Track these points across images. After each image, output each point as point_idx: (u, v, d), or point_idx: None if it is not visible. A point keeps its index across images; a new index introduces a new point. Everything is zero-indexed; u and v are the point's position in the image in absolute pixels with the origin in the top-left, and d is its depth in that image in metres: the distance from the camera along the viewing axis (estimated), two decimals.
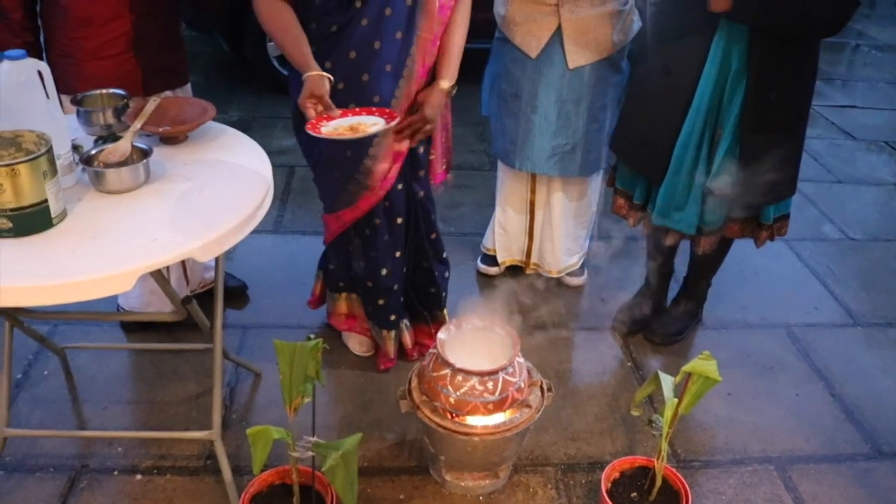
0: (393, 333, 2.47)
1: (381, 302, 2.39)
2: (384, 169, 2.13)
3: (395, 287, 2.36)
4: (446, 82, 2.08)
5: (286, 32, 1.94)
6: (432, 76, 2.12)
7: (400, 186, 2.22)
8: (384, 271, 2.31)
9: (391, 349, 2.49)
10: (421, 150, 2.24)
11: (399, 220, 2.27)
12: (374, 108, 1.91)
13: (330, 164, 2.18)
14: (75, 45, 2.19)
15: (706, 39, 2.19)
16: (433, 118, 2.08)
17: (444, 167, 2.39)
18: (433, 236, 2.43)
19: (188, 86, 2.49)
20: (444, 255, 2.51)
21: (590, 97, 2.60)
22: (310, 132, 1.76)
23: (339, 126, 1.80)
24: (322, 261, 2.55)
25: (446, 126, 2.32)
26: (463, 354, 1.99)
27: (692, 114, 2.26)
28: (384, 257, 2.29)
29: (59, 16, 2.18)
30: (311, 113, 1.83)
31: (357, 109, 1.89)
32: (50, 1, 2.17)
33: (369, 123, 1.81)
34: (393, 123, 1.84)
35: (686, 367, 1.75)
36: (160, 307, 2.56)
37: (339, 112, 1.84)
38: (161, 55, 2.31)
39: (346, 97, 1.99)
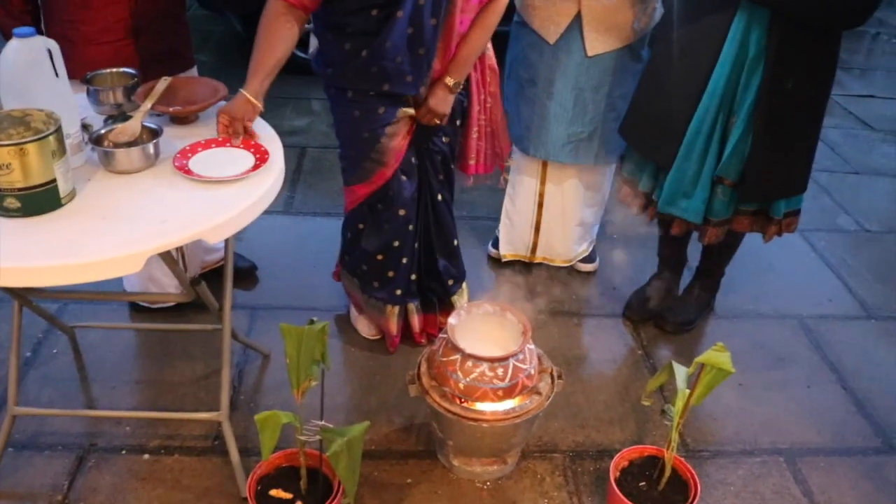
0: (397, 310, 2.43)
1: (390, 274, 2.36)
2: (398, 145, 2.16)
3: (405, 261, 2.34)
4: (450, 79, 2.12)
5: (270, 43, 1.95)
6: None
7: (413, 160, 2.23)
8: (396, 243, 2.30)
9: (393, 326, 2.46)
10: (445, 139, 2.27)
11: (413, 195, 2.27)
12: (250, 143, 1.82)
13: (347, 143, 2.22)
14: (73, 28, 2.14)
15: (725, 21, 2.13)
16: (437, 109, 2.13)
17: (476, 161, 2.42)
18: (455, 243, 2.46)
19: (194, 69, 2.45)
20: (460, 261, 2.53)
21: (608, 85, 2.56)
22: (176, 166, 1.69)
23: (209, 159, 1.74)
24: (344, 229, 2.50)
25: (490, 122, 2.38)
26: (473, 340, 1.97)
27: (707, 97, 2.21)
28: (397, 229, 2.28)
29: None
30: (221, 128, 1.82)
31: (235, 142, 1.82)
32: None
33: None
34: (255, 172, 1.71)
35: (700, 359, 1.73)
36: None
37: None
38: (161, 40, 2.26)
39: (383, 78, 2.05)
